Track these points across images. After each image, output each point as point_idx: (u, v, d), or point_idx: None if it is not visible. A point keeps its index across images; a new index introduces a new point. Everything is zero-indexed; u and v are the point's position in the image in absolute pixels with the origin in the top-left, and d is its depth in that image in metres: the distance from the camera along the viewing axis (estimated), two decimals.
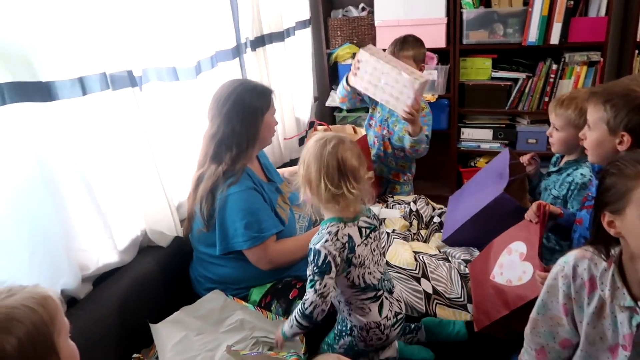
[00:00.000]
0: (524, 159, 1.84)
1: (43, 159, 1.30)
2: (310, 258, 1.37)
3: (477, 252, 1.89)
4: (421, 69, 2.32)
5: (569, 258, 1.19)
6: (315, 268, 1.35)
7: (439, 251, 1.91)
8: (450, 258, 1.86)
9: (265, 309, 1.64)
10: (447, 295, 1.70)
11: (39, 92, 1.27)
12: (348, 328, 1.50)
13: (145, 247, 1.72)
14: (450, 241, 1.97)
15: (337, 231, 1.36)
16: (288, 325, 1.42)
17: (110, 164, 1.55)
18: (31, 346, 0.82)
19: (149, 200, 1.65)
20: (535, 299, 1.42)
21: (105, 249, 1.50)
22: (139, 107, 1.57)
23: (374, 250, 1.46)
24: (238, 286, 1.72)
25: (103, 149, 1.52)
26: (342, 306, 1.49)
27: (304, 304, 1.37)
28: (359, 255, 1.39)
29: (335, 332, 1.55)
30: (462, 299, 1.72)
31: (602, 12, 2.72)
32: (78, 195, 1.40)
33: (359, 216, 1.43)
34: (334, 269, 1.34)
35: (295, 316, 1.40)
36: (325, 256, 1.34)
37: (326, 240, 1.35)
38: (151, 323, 1.50)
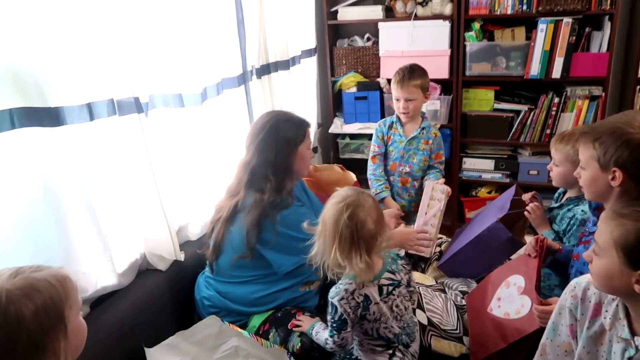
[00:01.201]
0: (526, 197, 1.85)
1: (48, 182, 1.33)
2: (329, 309, 1.43)
3: (474, 284, 1.89)
4: (426, 97, 2.37)
5: (582, 280, 1.22)
6: (332, 322, 1.42)
7: (436, 282, 1.91)
8: (447, 289, 1.86)
9: (263, 337, 1.65)
10: (442, 327, 1.70)
11: (48, 117, 1.31)
12: (353, 356, 1.53)
13: (144, 271, 1.73)
14: (446, 268, 1.98)
15: (354, 290, 1.39)
16: (315, 336, 1.55)
17: (113, 188, 1.58)
18: (45, 314, 0.94)
19: (150, 224, 1.67)
20: (533, 332, 1.42)
21: (104, 272, 1.52)
22: (143, 133, 1.60)
23: (397, 306, 1.45)
24: (244, 311, 1.74)
25: (107, 173, 1.55)
26: (355, 343, 1.52)
27: (326, 343, 1.47)
28: (373, 313, 1.41)
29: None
30: (457, 331, 1.71)
31: (604, 48, 2.76)
32: (80, 218, 1.42)
33: (381, 274, 1.44)
34: (349, 324, 1.40)
35: (320, 340, 1.52)
36: (341, 314, 1.39)
37: (342, 298, 1.38)
38: (146, 347, 1.50)
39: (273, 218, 1.66)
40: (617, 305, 1.12)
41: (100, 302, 1.54)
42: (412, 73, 2.30)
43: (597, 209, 1.49)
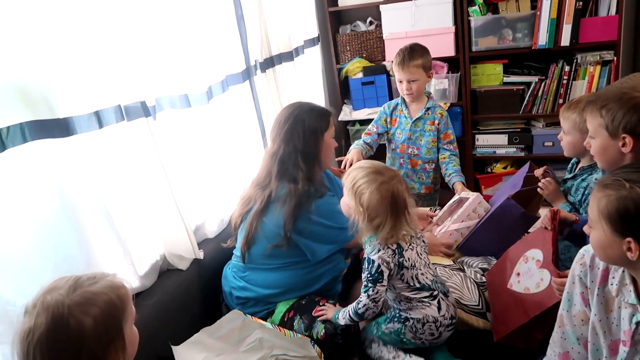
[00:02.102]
0: (538, 172, 1.83)
1: (64, 191, 1.35)
2: (365, 266, 1.50)
3: (494, 261, 1.88)
4: (430, 76, 2.35)
5: (589, 247, 1.22)
6: (369, 276, 1.49)
7: (454, 262, 1.91)
8: (467, 267, 1.86)
9: (288, 323, 1.68)
10: (462, 302, 1.70)
11: (58, 128, 1.33)
12: (402, 317, 1.57)
13: (165, 271, 1.76)
14: (465, 249, 1.97)
15: (387, 241, 1.49)
16: (342, 316, 1.58)
17: (127, 192, 1.61)
18: (104, 327, 0.96)
19: (167, 225, 1.70)
20: (554, 306, 1.42)
21: (126, 275, 1.54)
22: (152, 136, 1.62)
23: (421, 254, 1.56)
24: (272, 301, 1.79)
25: (120, 179, 1.58)
26: (402, 304, 1.56)
27: (358, 304, 1.52)
28: (408, 259, 1.51)
29: (388, 315, 1.62)
30: (479, 307, 1.71)
31: (613, 11, 2.70)
32: (98, 224, 1.46)
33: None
34: (385, 277, 1.48)
35: (349, 312, 1.55)
36: (379, 265, 1.47)
37: (379, 250, 1.48)
38: (173, 345, 1.53)
39: (308, 207, 1.69)
40: (623, 271, 1.13)
41: None
42: (413, 53, 2.27)
43: None
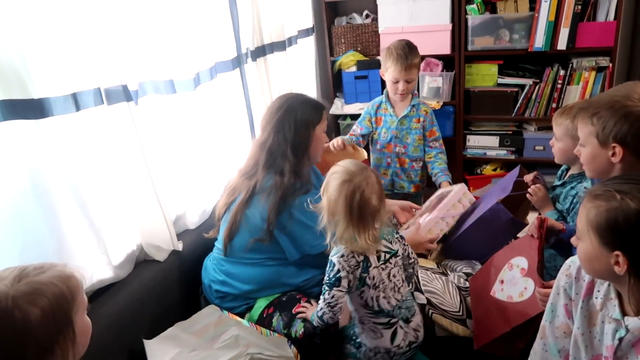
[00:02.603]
0: (527, 178, 1.79)
1: (35, 176, 1.29)
2: (327, 268, 1.45)
3: (478, 266, 1.85)
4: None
5: (576, 258, 1.19)
6: (326, 278, 1.44)
7: (438, 265, 1.88)
8: (450, 271, 1.83)
9: (267, 320, 1.64)
10: (442, 307, 1.67)
11: (32, 109, 1.27)
12: (356, 341, 1.51)
13: (141, 262, 1.71)
14: (449, 251, 1.94)
15: (353, 251, 1.42)
16: (313, 315, 1.53)
17: (104, 179, 1.55)
18: (52, 319, 0.92)
19: (145, 214, 1.64)
20: (537, 316, 1.39)
21: (99, 265, 1.50)
22: (134, 121, 1.56)
23: (394, 276, 1.47)
24: (252, 297, 1.74)
25: (97, 165, 1.52)
26: (356, 321, 1.51)
27: (319, 308, 1.48)
28: (373, 277, 1.43)
29: (348, 334, 1.57)
30: (460, 313, 1.68)
31: (611, 17, 2.66)
32: (71, 211, 1.40)
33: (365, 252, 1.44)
34: (343, 283, 1.41)
35: (315, 313, 1.51)
36: (338, 270, 1.41)
37: (342, 255, 1.41)
38: (145, 339, 1.48)
39: (292, 201, 1.65)
40: (608, 285, 1.10)
41: (98, 295, 1.52)
42: (412, 52, 2.18)
43: None
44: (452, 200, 1.95)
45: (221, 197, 1.85)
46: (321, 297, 1.46)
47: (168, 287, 1.71)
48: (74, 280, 1.00)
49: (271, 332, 1.57)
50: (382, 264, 1.44)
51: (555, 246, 1.61)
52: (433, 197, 2.12)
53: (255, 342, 1.50)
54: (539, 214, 1.73)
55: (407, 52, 2.17)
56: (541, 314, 1.36)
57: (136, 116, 1.58)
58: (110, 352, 1.45)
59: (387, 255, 1.46)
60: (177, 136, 1.86)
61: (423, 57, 3.01)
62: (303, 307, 1.63)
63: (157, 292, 1.65)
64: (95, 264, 1.49)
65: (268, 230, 1.65)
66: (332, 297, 1.42)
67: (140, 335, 1.49)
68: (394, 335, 1.47)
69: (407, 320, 1.49)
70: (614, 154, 1.24)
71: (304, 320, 1.59)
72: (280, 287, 1.74)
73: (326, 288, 1.43)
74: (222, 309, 1.65)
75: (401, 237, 1.55)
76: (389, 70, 2.22)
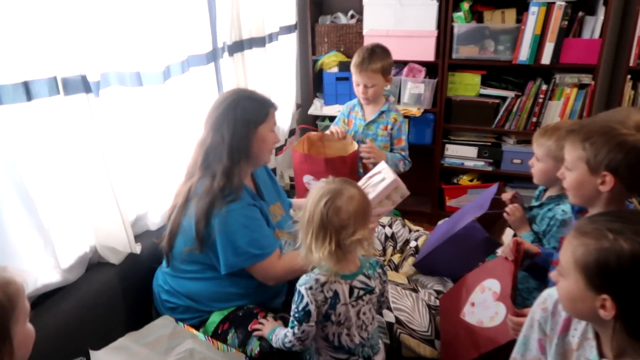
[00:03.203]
0: (506, 197, 1.74)
1: None
2: (295, 298, 1.33)
3: (450, 283, 1.81)
4: (388, 81, 2.25)
5: (554, 291, 1.13)
6: (295, 312, 1.32)
7: (409, 280, 1.82)
8: (421, 287, 1.77)
9: (222, 336, 1.55)
10: (410, 326, 1.61)
11: None
12: None
13: (95, 265, 1.60)
14: (421, 266, 1.88)
15: (325, 283, 1.30)
16: (275, 338, 1.43)
17: (57, 174, 1.44)
18: None
19: (101, 214, 1.54)
20: (507, 344, 1.34)
21: (45, 268, 1.38)
22: (92, 114, 1.45)
23: (364, 314, 1.36)
24: (201, 309, 1.63)
25: (48, 159, 1.41)
26: (312, 350, 1.42)
27: (285, 336, 1.37)
28: (339, 314, 1.32)
29: (303, 357, 1.48)
30: (428, 333, 1.63)
31: (597, 35, 2.64)
32: (16, 210, 1.28)
33: (357, 275, 1.34)
34: (312, 317, 1.31)
35: (280, 339, 1.41)
36: (307, 304, 1.30)
37: (310, 287, 1.30)
38: (92, 350, 1.38)
39: (220, 209, 1.52)
40: (586, 324, 1.04)
41: (42, 300, 1.41)
42: (373, 56, 2.14)
43: (580, 212, 1.39)
44: (380, 196, 1.78)
45: None
46: (289, 330, 1.35)
47: (121, 293, 1.61)
48: (13, 287, 0.91)
49: (228, 347, 1.48)
50: (353, 301, 1.33)
51: (528, 269, 1.56)
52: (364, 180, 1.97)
53: (212, 356, 1.42)
54: (514, 235, 1.68)
55: (368, 56, 2.14)
56: (512, 342, 1.31)
57: (96, 109, 1.48)
58: None
59: (361, 292, 1.34)
60: (143, 132, 1.75)
61: (406, 63, 2.98)
62: (260, 323, 1.54)
63: (108, 299, 1.55)
64: (41, 267, 1.38)
65: (198, 238, 1.54)
66: (303, 332, 1.32)
67: (87, 345, 1.38)
68: None
69: (368, 359, 1.39)
70: (603, 182, 1.19)
71: (260, 338, 1.50)
72: (232, 300, 1.63)
73: (295, 322, 1.32)
74: (176, 321, 1.55)
75: (384, 272, 1.44)
76: (352, 72, 2.22)
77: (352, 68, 2.20)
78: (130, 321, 1.56)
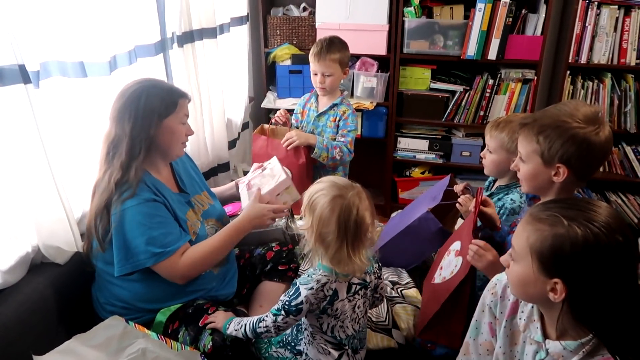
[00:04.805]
0: (457, 188, 1.79)
1: None
2: (291, 291, 1.33)
3: (405, 274, 1.84)
4: (345, 73, 2.28)
5: (503, 277, 1.18)
6: (286, 303, 1.32)
7: None
8: None
9: (172, 336, 1.50)
10: (372, 319, 1.63)
11: None
12: (296, 349, 1.43)
13: (38, 265, 1.52)
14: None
15: (326, 283, 1.31)
16: (234, 327, 1.41)
17: None
18: None
19: (43, 211, 1.45)
20: (465, 292, 1.38)
21: None
22: (32, 106, 1.36)
23: (358, 307, 1.38)
24: (142, 308, 1.55)
25: None
26: (306, 333, 1.41)
27: (260, 321, 1.36)
28: (336, 309, 1.34)
29: (282, 338, 1.48)
30: (386, 323, 1.65)
31: (539, 31, 2.76)
32: None
33: (354, 274, 1.34)
34: (302, 314, 1.32)
35: (245, 326, 1.39)
36: (302, 302, 1.30)
37: (311, 288, 1.30)
38: (36, 355, 1.31)
39: (116, 206, 1.44)
40: (532, 307, 1.09)
41: None
42: (331, 46, 2.19)
43: (533, 200, 1.45)
44: (271, 194, 1.76)
45: None
46: (270, 315, 1.34)
47: (66, 294, 1.52)
48: None
49: (182, 345, 1.44)
50: (350, 296, 1.34)
51: (485, 239, 1.60)
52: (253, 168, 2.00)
53: (165, 356, 1.37)
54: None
55: (327, 45, 2.19)
56: (469, 286, 1.35)
57: (36, 100, 1.39)
58: None
59: (358, 287, 1.36)
60: (88, 125, 1.67)
61: (358, 57, 3.00)
62: (211, 317, 1.50)
63: (53, 301, 1.47)
64: None
65: (96, 237, 1.46)
66: (285, 323, 1.33)
67: (30, 350, 1.31)
68: (340, 357, 1.39)
69: (355, 351, 1.41)
70: (556, 174, 1.25)
71: (213, 332, 1.46)
72: (168, 300, 1.55)
73: (282, 313, 1.31)
74: (126, 321, 1.49)
75: (379, 267, 1.46)
76: (311, 62, 2.25)
77: (311, 57, 2.21)
78: (78, 324, 1.48)
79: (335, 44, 2.19)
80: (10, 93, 1.32)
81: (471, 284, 1.40)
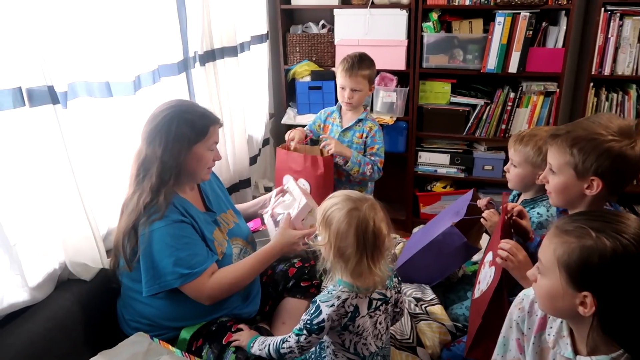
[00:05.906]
0: (481, 203, 1.77)
1: None
2: (311, 310, 1.30)
3: (429, 290, 1.81)
4: (371, 90, 2.30)
5: (530, 292, 1.15)
6: (308, 322, 1.30)
7: None
8: None
9: (196, 353, 1.50)
10: (396, 336, 1.60)
11: None
12: None
13: (65, 281, 1.54)
14: (400, 274, 1.87)
15: (347, 300, 1.29)
16: (259, 346, 1.41)
17: (23, 189, 1.38)
18: None
19: (70, 229, 1.48)
20: (504, 296, 1.35)
21: (11, 287, 1.32)
22: (60, 126, 1.40)
23: (380, 323, 1.36)
24: (167, 326, 1.56)
25: (14, 173, 1.35)
26: (328, 351, 1.39)
27: (283, 342, 1.35)
28: (358, 326, 1.31)
29: (307, 356, 1.46)
30: (410, 340, 1.62)
31: (560, 44, 2.73)
32: None
33: (376, 287, 1.33)
34: (324, 332, 1.30)
35: (270, 346, 1.38)
36: (323, 320, 1.28)
37: (332, 305, 1.28)
38: None
39: (144, 228, 1.45)
40: (561, 322, 1.06)
41: (8, 321, 1.34)
42: (362, 62, 2.19)
43: (563, 213, 1.42)
44: (297, 220, 1.76)
45: None
46: (293, 336, 1.32)
47: (93, 310, 1.54)
48: None
49: None
50: (371, 312, 1.32)
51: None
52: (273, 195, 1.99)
53: None
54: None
55: (356, 61, 2.20)
56: (506, 294, 1.31)
57: (64, 120, 1.43)
58: None
59: (379, 303, 1.34)
60: (113, 144, 1.71)
61: (378, 72, 3.00)
62: (235, 334, 1.49)
63: (80, 317, 1.49)
64: (7, 286, 1.32)
65: (123, 257, 1.48)
66: (309, 342, 1.31)
67: None
68: None
69: None
70: (589, 187, 1.23)
71: (236, 350, 1.46)
72: (192, 318, 1.56)
73: (304, 332, 1.30)
74: (151, 337, 1.49)
75: (399, 282, 1.44)
76: (338, 76, 2.26)
77: (340, 72, 2.22)
78: (103, 340, 1.49)
79: (364, 60, 2.21)
80: (40, 113, 1.36)
81: (507, 291, 1.37)
